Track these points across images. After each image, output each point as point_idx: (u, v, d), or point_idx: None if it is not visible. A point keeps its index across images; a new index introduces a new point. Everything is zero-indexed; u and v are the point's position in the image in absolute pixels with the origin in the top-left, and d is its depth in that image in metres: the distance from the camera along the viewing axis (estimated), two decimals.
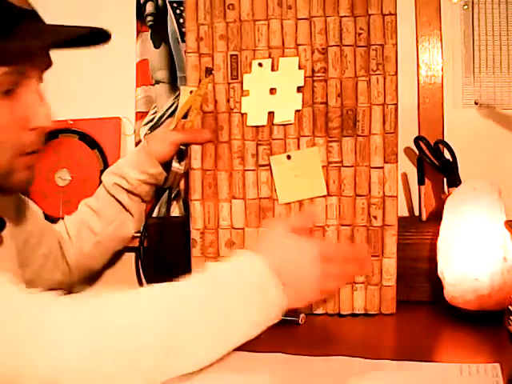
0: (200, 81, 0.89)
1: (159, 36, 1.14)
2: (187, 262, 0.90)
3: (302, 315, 0.85)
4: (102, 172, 0.99)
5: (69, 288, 0.94)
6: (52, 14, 1.23)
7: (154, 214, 1.11)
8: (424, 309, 0.92)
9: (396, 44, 0.85)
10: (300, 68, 0.86)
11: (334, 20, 0.85)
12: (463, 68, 1.06)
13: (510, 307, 0.73)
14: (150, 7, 1.16)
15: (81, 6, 1.19)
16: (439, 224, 0.89)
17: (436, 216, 0.96)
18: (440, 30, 1.05)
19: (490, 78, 1.05)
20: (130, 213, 0.94)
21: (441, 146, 0.98)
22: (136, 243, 1.05)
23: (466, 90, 1.06)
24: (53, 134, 1.15)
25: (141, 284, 1.11)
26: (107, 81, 1.11)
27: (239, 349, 0.71)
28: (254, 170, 0.87)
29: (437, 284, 0.88)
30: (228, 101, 0.88)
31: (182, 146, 0.92)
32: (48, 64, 0.68)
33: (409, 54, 1.06)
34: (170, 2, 1.14)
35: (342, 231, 0.85)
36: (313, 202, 0.86)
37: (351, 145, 0.85)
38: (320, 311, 0.87)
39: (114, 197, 0.93)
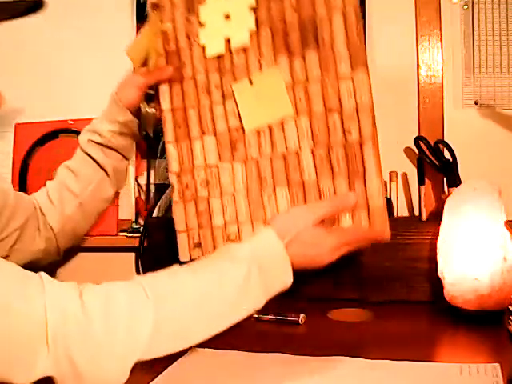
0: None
1: None
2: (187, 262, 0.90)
3: (301, 315, 0.85)
4: None
5: (55, 254, 0.94)
6: (52, 14, 1.23)
7: (154, 214, 1.11)
8: (424, 309, 0.92)
9: None
10: None
11: None
12: (463, 68, 1.06)
13: (510, 307, 0.73)
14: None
15: (81, 5, 1.20)
16: (439, 224, 0.89)
17: (436, 216, 0.96)
18: (440, 30, 1.05)
19: (490, 78, 1.05)
20: (106, 171, 0.93)
21: (441, 145, 0.98)
22: (136, 243, 1.06)
23: (466, 90, 1.06)
24: (53, 134, 1.15)
25: None
26: (107, 81, 1.11)
27: (239, 349, 0.71)
28: (220, 103, 0.84)
29: (437, 284, 0.88)
30: (188, 36, 0.87)
31: (150, 90, 0.90)
32: None
33: (409, 54, 1.06)
34: None
35: (317, 153, 0.79)
36: (282, 125, 0.81)
37: (314, 58, 0.79)
38: None
39: (88, 155, 0.92)
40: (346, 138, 0.77)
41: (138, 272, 1.12)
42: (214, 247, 0.83)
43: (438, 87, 1.05)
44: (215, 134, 0.84)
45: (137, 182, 1.15)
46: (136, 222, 1.13)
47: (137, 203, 1.15)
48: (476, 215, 0.84)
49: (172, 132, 0.87)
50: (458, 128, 1.05)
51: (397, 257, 0.96)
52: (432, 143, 0.99)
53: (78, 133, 1.11)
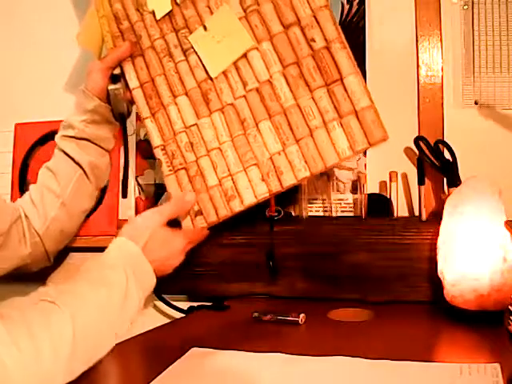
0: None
1: None
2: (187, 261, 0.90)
3: (301, 315, 0.85)
4: None
5: (44, 258, 0.94)
6: (52, 14, 1.23)
7: None
8: (424, 309, 0.92)
9: None
10: None
11: None
12: (463, 68, 1.06)
13: (510, 307, 0.73)
14: None
15: (81, 5, 1.19)
16: (439, 224, 0.89)
17: (436, 216, 0.96)
18: (440, 30, 1.05)
19: (490, 78, 1.05)
20: (82, 167, 0.91)
21: (441, 145, 0.98)
22: None
23: (466, 90, 1.06)
24: (53, 134, 1.15)
25: None
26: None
27: (239, 349, 0.71)
28: (183, 60, 0.85)
29: (437, 284, 0.88)
30: (137, 10, 0.88)
31: (114, 72, 0.90)
32: None
33: (409, 54, 1.06)
34: None
35: (288, 73, 0.77)
36: (247, 59, 0.80)
37: None
38: (303, 174, 0.77)
39: (64, 152, 0.91)
40: (312, 48, 0.77)
41: None
42: (216, 210, 0.82)
43: (438, 87, 1.05)
44: (186, 93, 0.84)
45: (137, 181, 1.15)
46: None
47: (137, 203, 1.15)
48: (476, 215, 0.84)
49: (146, 107, 0.87)
50: (458, 128, 1.04)
51: (397, 257, 0.96)
52: (432, 143, 0.99)
53: None
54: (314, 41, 0.76)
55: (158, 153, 0.86)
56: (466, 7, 1.06)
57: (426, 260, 0.94)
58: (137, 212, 1.14)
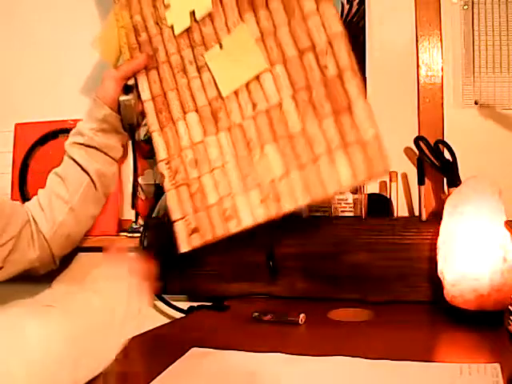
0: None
1: None
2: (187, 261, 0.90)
3: (301, 315, 0.85)
4: None
5: (50, 262, 0.94)
6: (52, 14, 1.23)
7: (154, 214, 1.11)
8: (424, 309, 0.92)
9: None
10: None
11: None
12: (463, 68, 1.06)
13: (510, 307, 0.73)
14: None
15: (81, 5, 1.20)
16: (439, 224, 0.89)
17: (436, 216, 0.96)
18: (440, 30, 1.05)
19: (490, 78, 1.05)
20: (89, 175, 0.91)
21: (441, 145, 0.98)
22: (136, 243, 1.06)
23: (466, 90, 1.06)
24: (53, 134, 1.15)
25: None
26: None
27: (239, 349, 0.71)
28: (196, 77, 0.85)
29: (437, 284, 0.88)
30: (157, 23, 0.88)
31: (128, 83, 0.90)
32: None
33: (409, 54, 1.06)
34: None
35: (299, 100, 0.77)
36: (259, 81, 0.80)
37: (278, 5, 0.79)
38: (303, 202, 0.76)
39: (72, 159, 0.91)
40: (324, 75, 0.76)
41: None
42: (212, 229, 0.82)
43: (438, 87, 1.05)
44: (196, 110, 0.84)
45: (137, 181, 1.15)
46: (136, 221, 1.13)
47: (136, 203, 1.15)
48: (476, 215, 0.84)
49: (155, 120, 0.87)
50: (458, 128, 1.04)
51: (397, 257, 0.96)
52: (432, 143, 0.99)
53: None
54: (327, 68, 0.75)
55: (162, 167, 0.86)
56: (466, 7, 1.06)
57: (426, 260, 0.94)
58: (137, 212, 1.14)
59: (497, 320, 0.77)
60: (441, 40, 1.05)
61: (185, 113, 0.85)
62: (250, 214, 0.80)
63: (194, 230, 0.83)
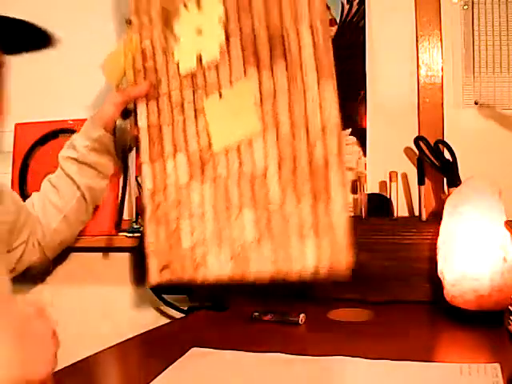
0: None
1: None
2: None
3: (301, 315, 0.85)
4: None
5: (47, 263, 0.96)
6: (52, 14, 1.23)
7: None
8: (424, 309, 0.92)
9: None
10: (220, 1, 0.83)
11: None
12: (463, 68, 1.06)
13: (510, 307, 0.73)
14: None
15: (81, 5, 1.20)
16: (439, 224, 0.89)
17: (436, 216, 0.96)
18: (440, 30, 1.05)
19: (490, 78, 1.05)
20: (80, 190, 0.93)
21: (441, 145, 0.98)
22: (136, 243, 1.05)
23: (466, 90, 1.06)
24: (53, 134, 1.15)
25: (139, 283, 1.11)
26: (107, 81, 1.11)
27: (239, 349, 0.71)
28: (193, 120, 0.84)
29: (437, 284, 0.88)
30: (165, 53, 0.87)
31: (128, 106, 0.90)
32: None
33: (409, 54, 1.06)
34: None
35: (283, 173, 0.77)
36: (251, 143, 0.80)
37: (282, 70, 0.79)
38: (268, 270, 0.78)
39: (64, 171, 0.92)
40: (311, 155, 0.76)
41: (137, 271, 1.12)
42: (182, 271, 0.82)
43: (438, 87, 1.05)
44: (187, 152, 0.84)
45: (137, 181, 1.15)
46: (136, 221, 1.13)
47: (137, 203, 1.15)
48: (476, 215, 0.84)
49: (147, 150, 0.87)
50: (458, 128, 1.05)
51: (397, 257, 0.96)
52: (432, 143, 0.99)
53: None
54: (315, 147, 0.76)
55: (147, 197, 0.86)
56: (466, 7, 1.06)
57: (426, 260, 0.94)
58: (137, 212, 1.14)
59: (497, 320, 0.77)
60: (441, 40, 1.05)
61: (175, 151, 0.85)
62: (219, 267, 0.80)
63: (166, 266, 0.84)
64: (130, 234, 1.09)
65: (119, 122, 0.92)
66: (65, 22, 1.21)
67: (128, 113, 0.91)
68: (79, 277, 1.14)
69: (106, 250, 1.12)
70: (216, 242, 0.81)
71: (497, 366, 0.61)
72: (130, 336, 0.87)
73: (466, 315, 0.82)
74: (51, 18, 1.23)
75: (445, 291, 0.85)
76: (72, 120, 1.13)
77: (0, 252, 0.82)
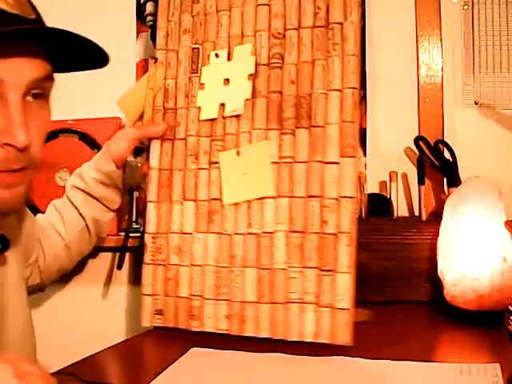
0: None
1: None
2: None
3: None
4: None
5: (37, 289, 0.93)
6: (52, 14, 1.23)
7: None
8: (424, 309, 0.92)
9: (356, 22, 0.76)
10: (253, 55, 0.81)
11: (291, 2, 0.80)
12: (463, 68, 1.06)
13: (510, 307, 0.73)
14: (149, 7, 1.15)
15: (81, 5, 1.20)
16: (439, 224, 0.89)
17: (436, 216, 0.96)
18: (440, 30, 1.05)
19: (490, 78, 1.05)
20: (85, 220, 0.92)
21: (441, 145, 0.98)
22: (136, 243, 1.05)
23: (466, 90, 1.06)
24: (53, 134, 1.15)
25: (137, 283, 1.11)
26: (107, 81, 1.11)
27: (239, 349, 0.71)
28: (206, 169, 0.82)
29: (437, 284, 0.88)
30: (187, 96, 0.85)
31: (141, 144, 0.89)
32: (33, 76, 0.61)
33: (409, 54, 1.06)
34: None
35: (291, 239, 0.76)
36: (262, 202, 0.78)
37: (305, 137, 0.77)
38: (265, 334, 0.76)
39: (70, 200, 0.91)
40: (322, 228, 0.75)
41: (137, 271, 1.12)
42: (176, 318, 0.81)
43: (437, 87, 1.05)
44: (195, 201, 0.82)
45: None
46: (136, 222, 1.13)
47: (137, 203, 1.15)
48: (476, 215, 0.84)
49: (155, 191, 0.85)
50: (458, 128, 1.05)
51: (397, 257, 0.96)
52: (432, 143, 0.99)
53: (78, 133, 1.12)
54: (326, 223, 0.74)
55: (148, 239, 0.84)
56: (466, 7, 1.06)
57: (426, 260, 0.94)
58: (137, 212, 1.14)
59: (497, 320, 0.77)
60: (441, 40, 1.05)
61: (184, 199, 0.83)
62: (214, 322, 0.79)
63: (159, 312, 0.82)
64: (130, 234, 1.09)
65: (130, 159, 0.91)
66: (66, 21, 1.21)
67: (140, 150, 0.90)
68: (80, 276, 1.14)
69: (106, 250, 1.12)
70: (214, 296, 0.79)
71: (497, 365, 0.61)
72: (129, 336, 0.88)
73: (466, 315, 0.82)
74: (52, 17, 1.23)
75: (445, 291, 0.85)
76: (72, 120, 1.13)
77: (16, 277, 0.78)
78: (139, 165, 0.91)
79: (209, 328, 0.79)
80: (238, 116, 0.81)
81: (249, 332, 0.77)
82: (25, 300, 0.79)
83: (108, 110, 1.13)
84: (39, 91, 0.64)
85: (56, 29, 0.60)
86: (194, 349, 0.72)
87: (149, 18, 1.15)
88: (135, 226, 1.11)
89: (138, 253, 1.07)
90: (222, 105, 0.82)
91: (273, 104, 0.79)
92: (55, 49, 0.64)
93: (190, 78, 0.85)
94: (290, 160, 0.77)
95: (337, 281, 0.73)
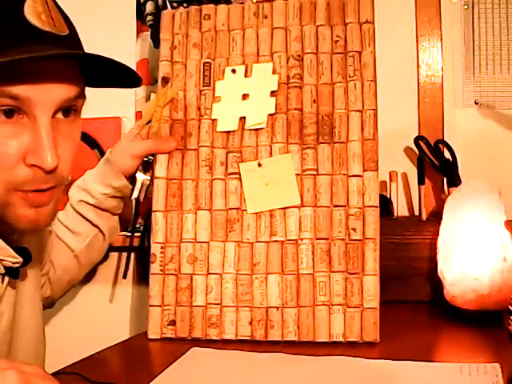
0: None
1: (159, 36, 1.14)
2: None
3: None
4: None
5: (47, 302, 0.92)
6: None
7: None
8: (424, 309, 0.92)
9: (374, 52, 0.83)
10: (274, 73, 0.83)
11: (310, 28, 0.84)
12: (463, 68, 1.06)
13: (510, 307, 0.73)
14: (149, 7, 1.15)
15: (81, 5, 1.19)
16: (439, 224, 0.89)
17: (436, 216, 0.96)
18: (440, 30, 1.05)
19: (490, 78, 1.05)
20: (99, 228, 0.91)
21: (441, 145, 0.98)
22: (136, 243, 1.05)
23: (466, 90, 1.06)
24: None
25: (140, 283, 1.11)
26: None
27: (239, 349, 0.71)
28: (222, 179, 0.82)
29: (437, 284, 0.88)
30: (198, 108, 0.85)
31: (148, 157, 0.89)
32: (63, 98, 0.60)
33: (409, 54, 1.06)
34: (170, 2, 1.14)
35: (318, 245, 0.78)
36: (285, 212, 0.80)
37: (328, 152, 0.80)
38: (291, 337, 0.76)
39: (80, 214, 0.90)
40: (349, 235, 0.78)
41: (138, 271, 1.12)
42: (190, 329, 0.79)
43: (437, 87, 1.05)
44: (210, 210, 0.82)
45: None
46: (136, 221, 1.12)
47: (137, 203, 1.15)
48: (476, 215, 0.84)
49: (163, 200, 0.83)
50: (458, 128, 1.05)
51: (397, 257, 0.96)
52: (432, 143, 0.99)
53: None
54: (355, 231, 0.78)
55: (156, 248, 0.82)
56: (466, 7, 1.06)
57: (426, 260, 0.94)
58: (137, 212, 1.14)
59: (497, 320, 0.77)
60: (441, 40, 1.05)
61: (197, 208, 0.82)
62: (235, 329, 0.78)
63: (172, 323, 0.80)
64: (130, 234, 1.09)
65: (141, 176, 0.91)
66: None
67: (148, 164, 0.90)
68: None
69: (112, 249, 1.12)
70: (235, 304, 0.78)
71: (497, 365, 0.61)
72: (130, 336, 0.88)
73: (466, 315, 0.82)
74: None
75: (445, 291, 0.85)
76: None
77: (32, 290, 0.77)
78: (148, 182, 0.90)
79: (230, 335, 0.78)
80: (256, 130, 0.83)
81: (275, 337, 0.77)
82: (39, 310, 0.79)
83: (108, 110, 1.14)
84: (70, 108, 0.62)
85: (88, 54, 0.59)
86: (194, 349, 0.72)
87: (149, 18, 1.15)
88: (136, 226, 1.11)
89: (140, 252, 1.07)
90: (242, 118, 0.83)
91: (294, 120, 0.82)
92: (88, 65, 0.62)
93: (201, 91, 0.86)
94: (313, 172, 0.80)
95: (365, 283, 0.77)
